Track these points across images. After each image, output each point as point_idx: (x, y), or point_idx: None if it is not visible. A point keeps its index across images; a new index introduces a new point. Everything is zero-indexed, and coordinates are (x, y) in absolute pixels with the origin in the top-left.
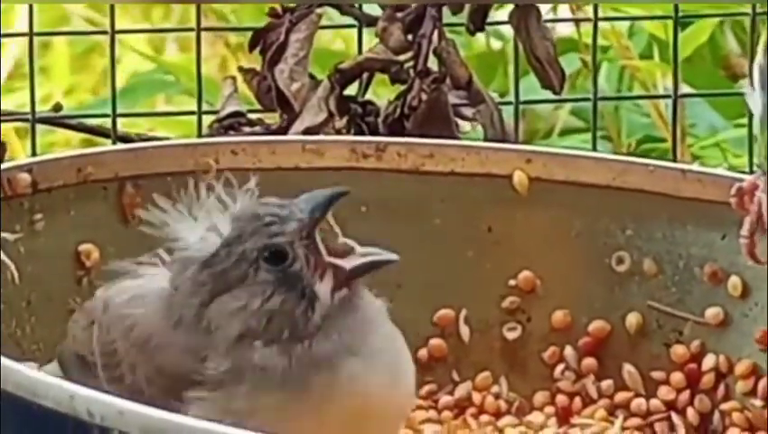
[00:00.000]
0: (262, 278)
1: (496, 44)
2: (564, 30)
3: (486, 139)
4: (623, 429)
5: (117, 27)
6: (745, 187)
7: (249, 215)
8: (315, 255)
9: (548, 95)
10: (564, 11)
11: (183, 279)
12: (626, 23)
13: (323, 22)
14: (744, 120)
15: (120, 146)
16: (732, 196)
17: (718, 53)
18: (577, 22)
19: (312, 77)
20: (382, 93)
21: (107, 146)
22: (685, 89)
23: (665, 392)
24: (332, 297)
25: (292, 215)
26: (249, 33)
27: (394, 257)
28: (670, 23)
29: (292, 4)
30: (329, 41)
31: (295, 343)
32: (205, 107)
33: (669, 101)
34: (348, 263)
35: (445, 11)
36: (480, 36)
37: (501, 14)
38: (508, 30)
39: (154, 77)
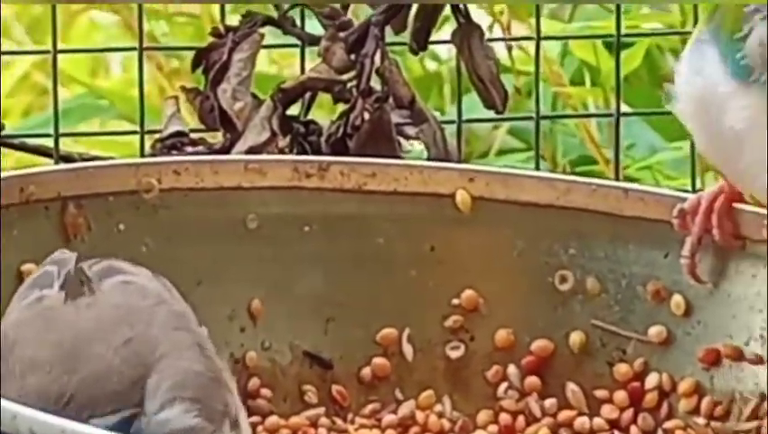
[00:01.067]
0: None
1: (432, 65)
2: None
3: (429, 159)
4: None
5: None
6: (687, 208)
7: None
8: None
9: (489, 114)
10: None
11: None
12: (557, 50)
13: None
14: (682, 143)
15: (63, 165)
16: (674, 217)
17: (657, 73)
18: (515, 41)
19: (254, 96)
20: (325, 114)
21: (49, 165)
22: (624, 109)
23: (608, 411)
24: None
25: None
26: (184, 56)
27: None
28: (601, 47)
29: (235, 24)
30: (263, 63)
31: None
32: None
33: (603, 123)
34: None
35: (388, 31)
36: (414, 59)
37: (442, 33)
38: (444, 50)
39: (86, 101)
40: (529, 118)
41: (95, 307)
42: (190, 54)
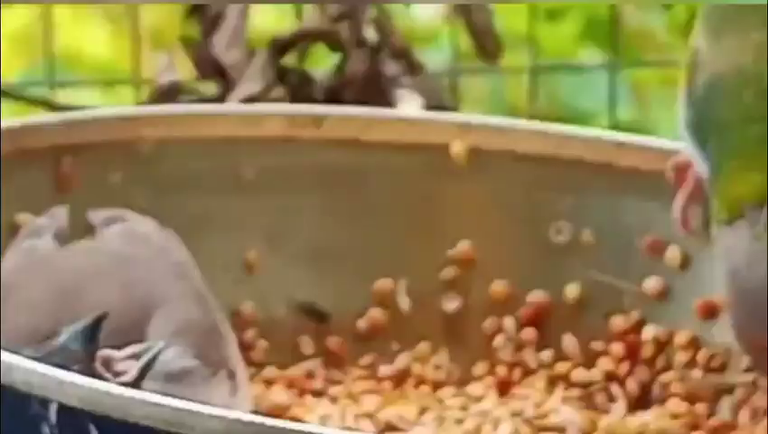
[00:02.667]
0: None
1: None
2: None
3: (425, 109)
4: (563, 399)
5: None
6: (680, 163)
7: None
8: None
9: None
10: None
11: None
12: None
13: None
14: None
15: (57, 116)
16: (669, 173)
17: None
18: None
19: (249, 47)
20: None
21: (43, 116)
22: None
23: (605, 363)
24: None
25: (69, 359)
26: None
27: (160, 345)
28: None
29: None
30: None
31: None
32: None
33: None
34: (129, 372)
35: None
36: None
37: None
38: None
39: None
40: (525, 70)
41: (95, 253)
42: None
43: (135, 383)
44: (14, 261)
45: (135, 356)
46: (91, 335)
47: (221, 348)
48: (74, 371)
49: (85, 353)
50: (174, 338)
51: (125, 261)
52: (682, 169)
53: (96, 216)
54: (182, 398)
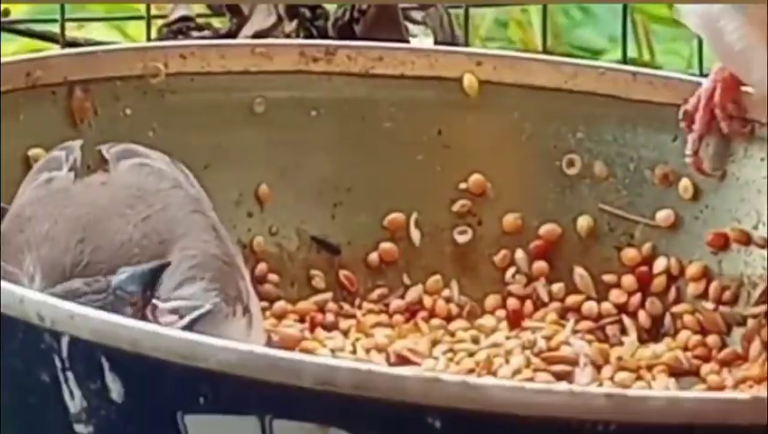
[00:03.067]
0: None
1: None
2: None
3: (436, 43)
4: (575, 332)
5: None
6: (690, 107)
7: (75, 297)
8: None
9: None
10: None
11: None
12: None
13: None
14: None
15: (69, 50)
16: (681, 119)
17: None
18: None
19: None
20: None
21: (55, 50)
22: None
23: (616, 295)
24: None
25: (123, 299)
26: None
27: (208, 307)
28: None
29: None
30: None
31: None
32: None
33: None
34: (175, 325)
35: None
36: None
37: None
38: None
39: None
40: (534, 3)
41: (110, 186)
42: None
43: None
44: (31, 194)
45: (177, 312)
46: (151, 281)
47: (237, 282)
48: (124, 314)
49: (141, 298)
50: (195, 270)
51: (142, 194)
52: (692, 113)
53: (109, 151)
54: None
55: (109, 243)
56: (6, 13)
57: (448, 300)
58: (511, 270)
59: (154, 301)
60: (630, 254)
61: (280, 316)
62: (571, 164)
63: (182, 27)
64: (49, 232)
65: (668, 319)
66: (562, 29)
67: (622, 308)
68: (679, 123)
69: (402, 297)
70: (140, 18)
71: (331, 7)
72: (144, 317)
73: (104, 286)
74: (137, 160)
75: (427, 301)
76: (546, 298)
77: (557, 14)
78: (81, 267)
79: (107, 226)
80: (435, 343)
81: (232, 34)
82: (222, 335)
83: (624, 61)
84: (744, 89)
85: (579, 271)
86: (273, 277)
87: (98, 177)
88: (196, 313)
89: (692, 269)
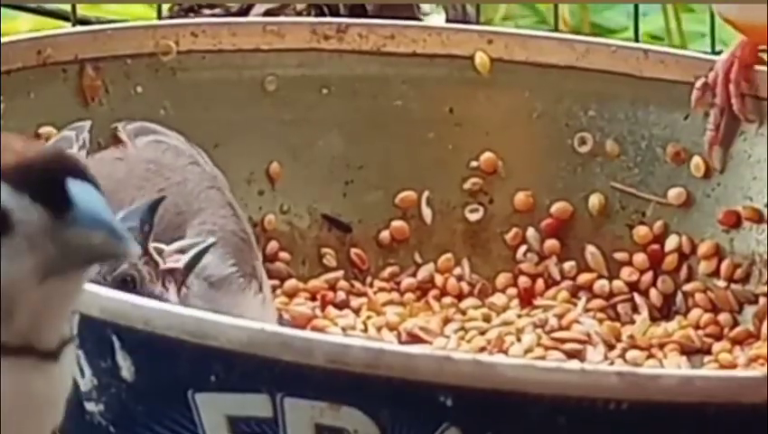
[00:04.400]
0: None
1: None
2: None
3: (447, 20)
4: (586, 310)
5: None
6: (711, 82)
7: None
8: (155, 267)
9: None
10: None
11: None
12: None
13: None
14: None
15: (80, 28)
16: (696, 89)
17: None
18: None
19: None
20: None
21: (66, 28)
22: None
23: (628, 274)
24: (178, 298)
25: None
26: None
27: (211, 240)
28: None
29: None
30: None
31: None
32: None
33: None
34: (178, 263)
35: None
36: None
37: None
38: None
39: None
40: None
41: (126, 161)
42: None
43: (183, 279)
44: None
45: (183, 251)
46: (148, 216)
47: (252, 260)
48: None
49: (140, 232)
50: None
51: (159, 169)
52: (708, 90)
53: (125, 128)
54: (220, 304)
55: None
56: None
57: (459, 278)
58: (523, 248)
59: (161, 245)
60: (641, 232)
61: (291, 295)
62: (583, 142)
63: (193, 5)
64: None
65: (679, 297)
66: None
67: (633, 286)
68: (690, 101)
69: (413, 275)
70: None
71: None
72: (147, 253)
73: None
74: (154, 137)
75: (439, 279)
76: (557, 277)
77: None
78: None
79: (122, 197)
80: (446, 321)
81: (243, 12)
82: (238, 306)
83: (636, 39)
84: (757, 67)
85: (591, 249)
86: (284, 255)
87: (113, 152)
88: (201, 246)
89: (704, 247)
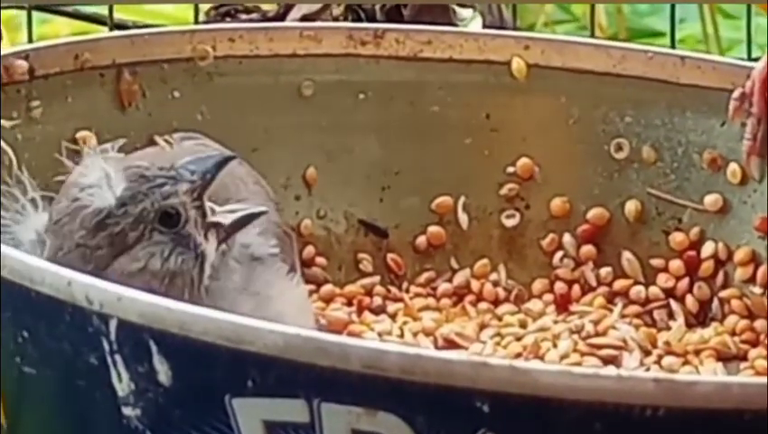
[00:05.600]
0: (157, 238)
1: None
2: None
3: (484, 26)
4: (622, 316)
5: None
6: (748, 91)
7: (140, 175)
8: (202, 216)
9: None
10: None
11: (70, 239)
12: None
13: None
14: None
15: (117, 32)
16: (734, 100)
17: None
18: None
19: None
20: None
21: (104, 33)
22: None
23: (664, 280)
24: (216, 253)
25: (182, 176)
26: None
27: (263, 209)
28: None
29: None
30: None
31: (191, 302)
32: None
33: None
34: (225, 219)
35: None
36: None
37: None
38: None
39: None
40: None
41: (168, 154)
42: None
43: (225, 238)
44: (84, 163)
45: (233, 211)
46: (213, 169)
47: (294, 257)
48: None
49: (201, 180)
50: (254, 228)
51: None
52: (745, 99)
53: (173, 136)
54: (258, 278)
55: None
56: None
57: (496, 284)
58: (559, 254)
59: (212, 205)
60: (678, 238)
61: (328, 300)
62: (619, 148)
63: (229, 10)
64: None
65: (715, 304)
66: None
67: (669, 293)
68: (727, 108)
69: (450, 280)
70: (188, 1)
71: None
72: (201, 206)
73: (167, 166)
74: (200, 140)
75: (475, 285)
76: (593, 283)
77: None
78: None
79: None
80: (482, 327)
81: (280, 17)
82: (275, 286)
83: (673, 45)
84: None
85: (627, 256)
86: (320, 260)
87: (159, 149)
88: (252, 210)
89: (740, 254)
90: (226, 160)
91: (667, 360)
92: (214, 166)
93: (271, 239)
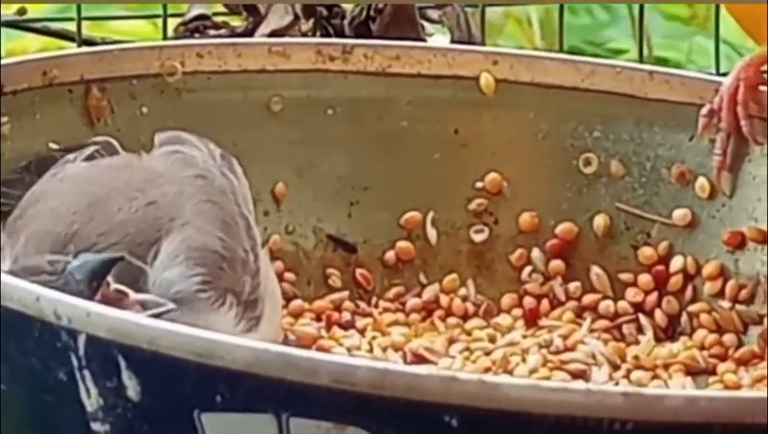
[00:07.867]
0: None
1: None
2: None
3: (452, 41)
4: (591, 330)
5: None
6: (716, 107)
7: (24, 271)
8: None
9: None
10: None
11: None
12: None
13: None
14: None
15: (86, 48)
16: (702, 116)
17: None
18: None
19: None
20: None
21: (72, 49)
22: None
23: (633, 294)
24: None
25: (69, 285)
26: None
27: (171, 306)
28: None
29: None
30: None
31: None
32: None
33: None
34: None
35: None
36: None
37: None
38: None
39: None
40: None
41: (130, 169)
42: None
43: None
44: (49, 173)
45: (143, 304)
46: (100, 272)
47: (240, 277)
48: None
49: (87, 287)
50: (185, 253)
51: (156, 179)
52: (714, 115)
53: (158, 137)
54: (185, 322)
55: (108, 220)
56: (23, 11)
57: (465, 299)
58: (528, 269)
59: (126, 289)
60: (646, 253)
61: (297, 315)
62: (588, 162)
63: (198, 26)
64: (55, 208)
65: (684, 318)
66: (575, 28)
67: (638, 307)
68: (696, 122)
69: (419, 295)
70: (157, 17)
71: (347, 6)
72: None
73: (62, 267)
74: (172, 147)
75: (444, 300)
76: (562, 297)
77: (580, 14)
78: (71, 236)
79: (111, 205)
80: (451, 341)
81: (249, 33)
82: (206, 324)
83: (641, 59)
84: (762, 88)
85: (596, 270)
86: (289, 275)
87: (122, 159)
88: (157, 310)
89: (709, 268)
90: (113, 261)
91: (636, 374)
92: (101, 269)
93: (194, 268)
